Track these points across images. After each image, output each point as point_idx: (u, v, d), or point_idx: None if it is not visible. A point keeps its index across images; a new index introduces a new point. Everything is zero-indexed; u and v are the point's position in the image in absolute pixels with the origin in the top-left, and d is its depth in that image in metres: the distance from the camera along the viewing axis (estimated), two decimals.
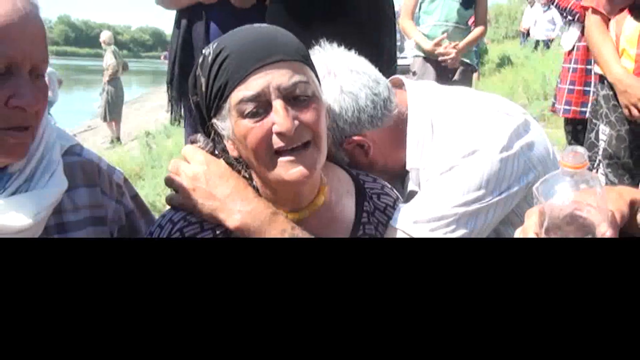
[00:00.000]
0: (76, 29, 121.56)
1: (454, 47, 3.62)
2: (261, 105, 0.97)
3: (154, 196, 4.37)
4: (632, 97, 2.26)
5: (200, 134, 1.13)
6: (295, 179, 0.99)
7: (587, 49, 3.03)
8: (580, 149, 0.74)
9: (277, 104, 0.97)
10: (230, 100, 0.99)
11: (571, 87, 3.13)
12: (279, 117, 0.96)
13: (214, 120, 1.05)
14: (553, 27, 12.07)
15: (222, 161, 1.10)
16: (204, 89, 1.03)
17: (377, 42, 1.70)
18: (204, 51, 1.05)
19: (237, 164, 1.09)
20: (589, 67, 3.04)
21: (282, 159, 0.99)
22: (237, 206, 1.05)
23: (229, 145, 1.06)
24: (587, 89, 3.07)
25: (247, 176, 1.09)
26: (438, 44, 3.63)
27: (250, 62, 0.97)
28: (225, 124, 1.02)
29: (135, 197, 1.27)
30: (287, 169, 0.99)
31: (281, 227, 1.05)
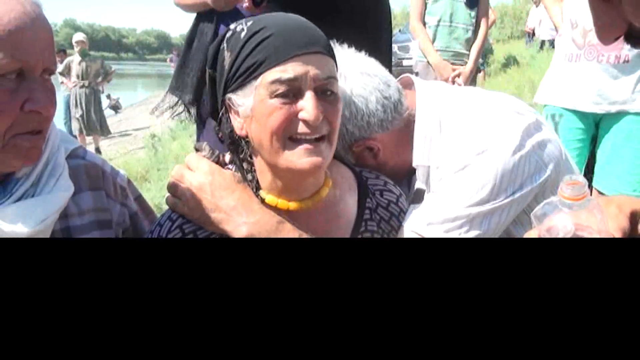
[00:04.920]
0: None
1: (459, 77, 3.63)
2: (292, 90, 0.98)
3: (160, 198, 4.37)
4: None
5: (206, 143, 1.12)
6: (306, 167, 0.99)
7: None
8: (580, 179, 0.72)
9: (309, 94, 0.98)
10: (262, 78, 0.99)
11: None
12: (309, 106, 0.97)
13: (231, 95, 1.04)
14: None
15: (227, 172, 1.09)
16: (228, 62, 1.03)
17: (375, 43, 1.68)
18: (232, 26, 1.05)
19: (237, 149, 1.08)
20: None
21: (297, 146, 0.99)
22: (242, 218, 1.05)
23: (237, 123, 1.05)
24: None
25: (248, 161, 1.09)
26: (444, 68, 3.64)
27: (294, 46, 0.98)
28: (247, 100, 1.01)
29: (139, 198, 1.26)
30: (301, 157, 0.99)
31: (289, 236, 1.05)
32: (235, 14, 2.15)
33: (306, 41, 0.99)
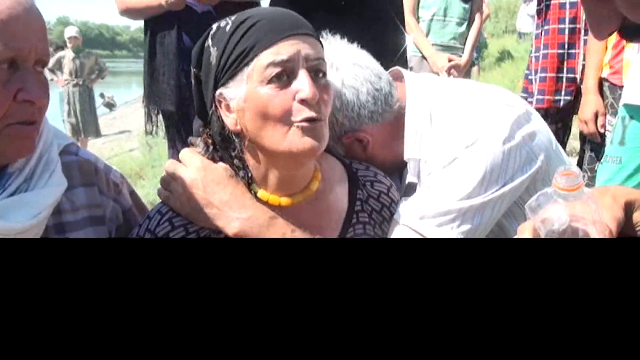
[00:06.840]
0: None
1: (454, 68, 3.62)
2: (287, 72, 0.99)
3: (154, 195, 4.36)
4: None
5: (201, 139, 1.12)
6: (307, 147, 0.99)
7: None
8: (574, 169, 0.73)
9: (302, 72, 0.99)
10: (254, 65, 0.99)
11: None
12: (305, 84, 0.98)
13: (221, 90, 1.04)
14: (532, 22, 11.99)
15: (219, 167, 1.09)
16: (215, 57, 1.03)
17: (381, 38, 1.69)
18: (214, 25, 1.06)
19: (230, 145, 1.07)
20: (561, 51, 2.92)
21: (298, 126, 0.99)
22: (235, 213, 1.05)
23: (230, 120, 1.05)
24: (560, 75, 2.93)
25: (240, 158, 1.08)
26: (439, 59, 3.63)
27: (282, 28, 0.99)
28: (239, 90, 1.01)
29: (132, 193, 1.26)
30: (302, 137, 0.99)
31: (281, 231, 1.05)
32: (190, 12, 2.09)
33: (294, 23, 1.01)
